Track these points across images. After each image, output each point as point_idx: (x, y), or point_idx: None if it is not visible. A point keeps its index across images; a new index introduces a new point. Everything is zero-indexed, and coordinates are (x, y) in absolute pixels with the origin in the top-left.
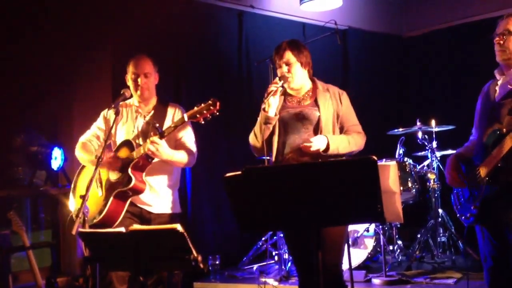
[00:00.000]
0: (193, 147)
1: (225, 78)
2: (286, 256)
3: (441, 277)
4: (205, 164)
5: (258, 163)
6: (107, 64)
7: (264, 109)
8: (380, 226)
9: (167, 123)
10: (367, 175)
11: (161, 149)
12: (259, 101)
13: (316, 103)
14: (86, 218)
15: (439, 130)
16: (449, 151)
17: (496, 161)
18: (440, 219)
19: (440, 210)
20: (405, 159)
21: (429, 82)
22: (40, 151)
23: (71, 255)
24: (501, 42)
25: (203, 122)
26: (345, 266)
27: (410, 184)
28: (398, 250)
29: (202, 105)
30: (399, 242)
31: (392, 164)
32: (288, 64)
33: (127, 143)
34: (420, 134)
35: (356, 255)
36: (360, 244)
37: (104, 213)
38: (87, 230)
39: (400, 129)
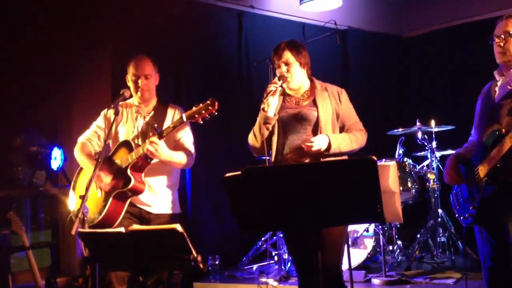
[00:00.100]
0: (192, 148)
1: (225, 78)
2: (285, 256)
3: (440, 277)
4: (205, 164)
5: (257, 163)
6: (107, 64)
7: (263, 109)
8: (380, 226)
9: (167, 124)
10: (366, 175)
11: (160, 149)
12: (259, 101)
13: (314, 103)
14: (85, 218)
15: (439, 130)
16: (449, 151)
17: (495, 161)
18: (439, 219)
19: (440, 210)
20: (405, 159)
21: (429, 82)
22: (39, 151)
23: (71, 255)
24: (501, 44)
25: (201, 122)
26: (344, 266)
27: (409, 184)
28: (398, 250)
29: (201, 105)
30: (399, 242)
31: (392, 164)
32: (287, 64)
33: (125, 144)
34: (419, 134)
35: (356, 255)
36: (360, 244)
37: (103, 213)
38: (87, 230)
39: (400, 129)
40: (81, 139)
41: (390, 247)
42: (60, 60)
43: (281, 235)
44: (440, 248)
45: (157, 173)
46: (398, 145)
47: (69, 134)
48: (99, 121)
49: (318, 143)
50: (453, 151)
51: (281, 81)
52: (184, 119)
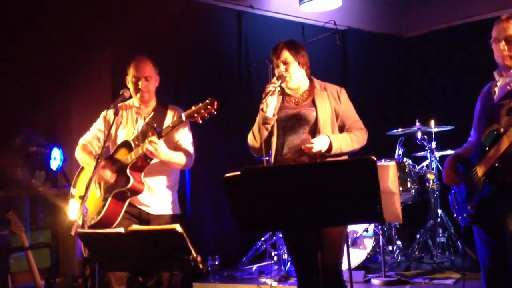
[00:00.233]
0: (191, 149)
1: (225, 78)
2: (285, 256)
3: (440, 278)
4: (205, 164)
5: (257, 163)
6: (107, 64)
7: (262, 109)
8: (379, 227)
9: (167, 124)
10: (366, 176)
11: (160, 149)
12: (259, 101)
13: (313, 103)
14: (85, 219)
15: (439, 131)
16: (448, 152)
17: (493, 160)
18: (439, 220)
19: (439, 211)
20: (404, 159)
21: (428, 83)
22: (39, 151)
23: (70, 256)
24: (506, 48)
25: (201, 122)
26: (344, 266)
27: (409, 185)
28: (397, 251)
29: (200, 104)
30: (398, 242)
31: (392, 164)
32: (285, 63)
33: (125, 144)
34: (419, 135)
35: (356, 256)
36: (360, 244)
37: (102, 213)
38: (86, 230)
39: (400, 130)
40: (81, 140)
41: (390, 248)
42: (60, 60)
43: (281, 235)
44: (440, 249)
45: (157, 174)
46: (397, 145)
47: (69, 135)
48: (99, 124)
49: (319, 144)
50: (453, 151)
51: (279, 81)
52: (184, 118)
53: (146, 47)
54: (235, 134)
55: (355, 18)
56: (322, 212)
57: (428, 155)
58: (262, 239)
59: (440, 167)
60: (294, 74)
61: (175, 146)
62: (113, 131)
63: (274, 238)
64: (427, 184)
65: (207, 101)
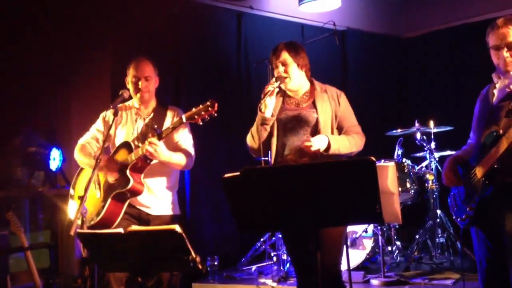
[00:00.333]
0: (191, 150)
1: (224, 78)
2: (284, 257)
3: (439, 278)
4: (204, 164)
5: (257, 164)
6: (107, 65)
7: (260, 110)
8: (379, 227)
9: (167, 125)
10: (365, 176)
11: (159, 150)
12: (258, 102)
13: (314, 105)
14: (84, 219)
15: (438, 131)
16: (448, 152)
17: (492, 162)
18: (438, 220)
19: (439, 211)
20: (404, 160)
21: (428, 83)
22: (38, 151)
23: (70, 256)
24: (508, 54)
25: (201, 123)
26: (343, 266)
27: (408, 185)
28: (397, 251)
29: (200, 106)
30: (398, 243)
31: (391, 165)
32: (284, 64)
33: (125, 145)
34: (418, 135)
35: (355, 256)
36: (359, 245)
37: (102, 214)
38: (85, 231)
39: (399, 130)
40: (80, 141)
41: (389, 248)
42: (60, 60)
43: (280, 236)
44: (439, 249)
45: (157, 175)
46: (397, 146)
47: (68, 135)
48: (98, 124)
49: (317, 143)
50: (452, 152)
51: (278, 82)
52: (184, 120)
53: (146, 48)
54: (235, 135)
55: (354, 19)
56: (322, 212)
57: (427, 156)
58: (262, 239)
59: (440, 168)
60: (293, 75)
61: (175, 147)
62: (112, 131)
63: (274, 238)
64: (426, 184)
65: (208, 103)
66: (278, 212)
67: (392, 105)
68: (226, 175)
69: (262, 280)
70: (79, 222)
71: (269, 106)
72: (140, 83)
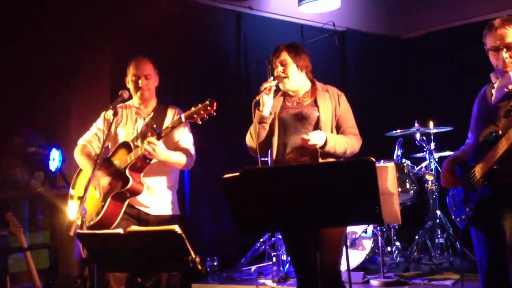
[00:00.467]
0: (192, 149)
1: (224, 78)
2: (284, 257)
3: (439, 279)
4: (204, 165)
5: (257, 164)
6: (106, 65)
7: (258, 108)
8: (378, 228)
9: (167, 125)
10: (365, 176)
11: (158, 149)
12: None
13: (315, 103)
14: (84, 220)
15: (437, 132)
16: (447, 153)
17: (492, 162)
18: (438, 221)
19: (438, 212)
20: (403, 160)
21: (427, 84)
22: (38, 152)
23: (69, 257)
24: (508, 55)
25: (200, 122)
26: (343, 267)
27: (408, 186)
28: (396, 252)
29: (199, 105)
30: (397, 243)
31: (390, 165)
32: (283, 64)
33: (125, 145)
34: (418, 136)
35: (354, 257)
36: (358, 245)
37: (101, 214)
38: (85, 231)
39: (398, 131)
40: (81, 141)
41: (389, 248)
42: (59, 60)
43: (280, 236)
44: (438, 250)
45: (156, 174)
46: (396, 146)
47: (68, 135)
48: (99, 123)
49: (315, 137)
50: (452, 153)
51: (275, 81)
52: (183, 119)
53: (146, 48)
54: (235, 135)
55: (354, 19)
56: (321, 212)
57: (427, 156)
58: (261, 240)
59: (439, 168)
60: (291, 76)
61: (175, 147)
62: (112, 131)
63: (273, 239)
64: (425, 185)
65: (207, 102)
66: (278, 213)
67: (391, 106)
68: (226, 176)
69: (261, 281)
70: (78, 222)
71: (267, 104)
72: (140, 81)
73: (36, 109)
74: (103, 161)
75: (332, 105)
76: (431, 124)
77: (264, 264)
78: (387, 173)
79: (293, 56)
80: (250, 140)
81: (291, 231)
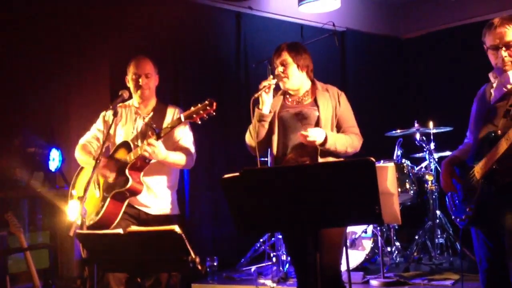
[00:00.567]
0: (192, 148)
1: (224, 79)
2: (284, 257)
3: (438, 279)
4: (204, 165)
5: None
6: (105, 65)
7: (257, 106)
8: (378, 228)
9: (166, 124)
10: (365, 177)
11: (157, 150)
12: (257, 102)
13: (315, 102)
14: (83, 220)
15: (437, 132)
16: (447, 153)
17: (491, 163)
18: (437, 221)
19: (438, 212)
20: (403, 160)
21: (427, 84)
22: (37, 152)
23: (69, 257)
24: (507, 53)
25: (199, 122)
26: (343, 267)
27: (408, 186)
28: (396, 252)
29: (199, 105)
30: (397, 243)
31: (390, 165)
32: (283, 64)
33: (125, 145)
34: (418, 136)
35: (354, 257)
36: (358, 245)
37: (101, 214)
38: (85, 231)
39: (398, 131)
40: (81, 141)
41: (388, 249)
42: (59, 61)
43: (280, 236)
44: (438, 250)
45: (156, 174)
46: (396, 147)
47: (67, 135)
48: (98, 124)
49: (314, 134)
50: (451, 153)
51: (275, 80)
52: (182, 119)
53: (145, 48)
54: (234, 135)
55: (353, 19)
56: (321, 212)
57: (427, 156)
58: (261, 240)
59: (439, 168)
60: (291, 75)
61: (175, 146)
62: (112, 131)
63: (273, 239)
64: (425, 185)
65: (206, 102)
66: (278, 213)
67: (391, 106)
68: (226, 176)
69: (261, 281)
70: (78, 222)
71: (266, 102)
72: (140, 80)
73: (36, 109)
74: (106, 159)
75: (332, 104)
76: (431, 124)
77: (264, 264)
78: (387, 173)
79: (293, 56)
80: (250, 138)
81: (291, 231)
